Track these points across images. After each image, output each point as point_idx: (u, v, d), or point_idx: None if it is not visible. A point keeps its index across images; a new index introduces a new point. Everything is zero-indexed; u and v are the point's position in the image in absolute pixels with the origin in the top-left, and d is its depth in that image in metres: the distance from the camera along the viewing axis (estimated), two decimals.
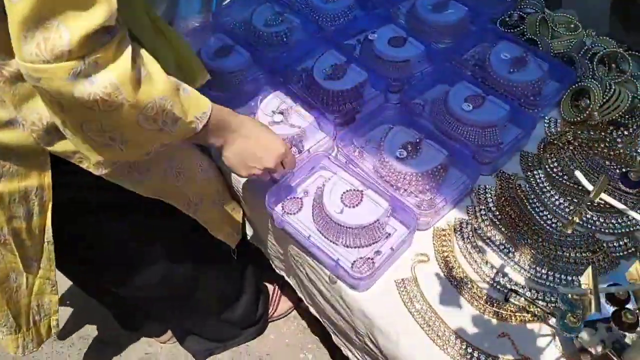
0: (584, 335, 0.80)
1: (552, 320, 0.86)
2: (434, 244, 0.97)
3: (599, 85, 1.08)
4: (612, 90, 1.07)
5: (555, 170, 1.05)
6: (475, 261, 0.94)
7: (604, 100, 1.08)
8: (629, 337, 0.77)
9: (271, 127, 0.99)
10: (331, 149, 1.09)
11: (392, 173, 1.00)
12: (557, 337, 0.85)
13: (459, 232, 0.97)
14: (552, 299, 0.89)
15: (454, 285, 0.92)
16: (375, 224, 0.93)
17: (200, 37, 1.26)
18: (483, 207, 1.00)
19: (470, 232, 0.97)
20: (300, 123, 1.09)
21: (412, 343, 0.86)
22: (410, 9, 1.34)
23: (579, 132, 1.09)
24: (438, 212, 0.97)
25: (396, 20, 1.31)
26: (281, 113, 1.10)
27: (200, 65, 1.00)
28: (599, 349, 0.79)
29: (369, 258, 0.92)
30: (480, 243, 0.96)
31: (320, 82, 1.13)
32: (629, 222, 0.97)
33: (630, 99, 1.07)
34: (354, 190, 0.97)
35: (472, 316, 0.88)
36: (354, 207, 0.95)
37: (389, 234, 0.95)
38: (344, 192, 0.97)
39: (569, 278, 0.91)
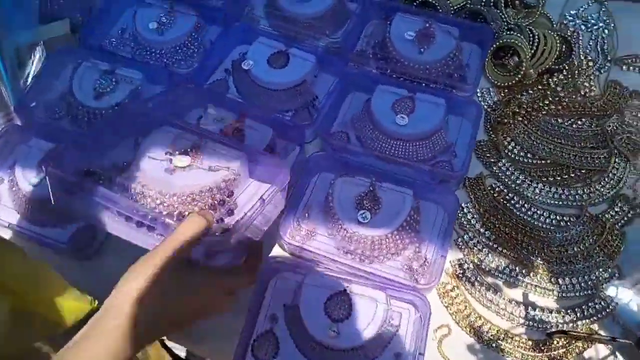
0: None
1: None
2: (444, 306, 0.82)
3: (522, 37, 0.97)
4: (537, 38, 0.98)
5: (516, 152, 0.95)
6: (498, 305, 0.81)
7: (532, 52, 0.97)
8: None
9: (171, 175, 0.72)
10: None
11: (362, 245, 0.81)
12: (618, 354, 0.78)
13: (463, 278, 0.83)
14: (589, 309, 0.80)
15: (492, 347, 0.79)
16: (382, 327, 0.77)
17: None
18: (472, 234, 0.87)
19: (475, 271, 0.83)
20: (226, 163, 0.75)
21: None
22: (268, 5, 1.10)
23: (520, 97, 0.99)
24: (432, 267, 0.81)
25: (256, 26, 1.06)
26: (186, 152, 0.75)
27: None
28: None
29: None
30: (490, 280, 0.83)
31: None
32: (612, 182, 0.90)
33: (558, 42, 0.98)
34: (338, 294, 0.78)
35: None
36: (346, 317, 0.76)
37: (397, 328, 0.79)
38: (327, 301, 0.77)
39: (594, 277, 0.82)
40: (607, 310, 0.82)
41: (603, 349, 0.80)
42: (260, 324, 0.80)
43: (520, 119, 0.99)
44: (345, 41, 1.03)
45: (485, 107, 1.02)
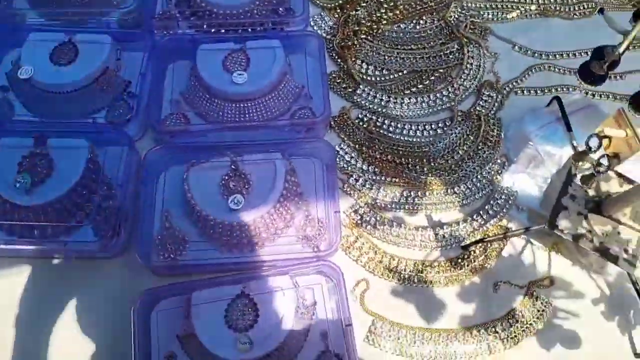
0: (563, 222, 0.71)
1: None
2: (353, 260, 0.75)
3: None
4: None
5: (371, 73, 0.89)
6: (406, 237, 0.75)
7: None
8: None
9: None
10: None
11: (244, 233, 0.70)
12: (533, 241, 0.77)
13: (363, 224, 0.77)
14: (493, 207, 0.78)
15: (415, 282, 0.73)
16: (298, 313, 0.68)
17: None
18: (356, 175, 0.80)
19: (372, 213, 0.77)
20: None
21: None
22: None
23: (355, 13, 0.91)
24: (329, 227, 0.73)
25: (22, 22, 0.86)
26: None
27: None
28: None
29: (324, 352, 0.68)
30: (390, 215, 0.78)
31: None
32: (472, 72, 0.88)
33: None
34: (235, 300, 0.67)
35: (458, 294, 0.74)
36: (254, 322, 0.66)
37: (314, 306, 0.70)
38: (226, 313, 0.66)
39: (486, 173, 0.80)
40: (510, 201, 0.80)
41: (519, 241, 0.80)
42: None
43: (364, 36, 0.92)
44: (141, 7, 0.88)
45: (324, 35, 0.94)
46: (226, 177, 0.74)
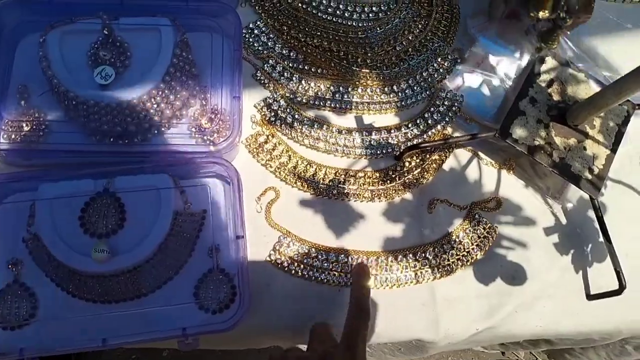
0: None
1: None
2: (261, 165, 0.63)
3: None
4: None
5: None
6: (328, 141, 0.64)
7: None
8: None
9: None
10: None
11: (115, 117, 0.57)
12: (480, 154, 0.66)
13: (277, 121, 0.64)
14: (434, 114, 0.66)
15: (333, 195, 0.62)
16: (178, 222, 0.56)
17: None
18: (273, 60, 0.66)
19: (289, 108, 0.64)
20: None
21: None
22: None
23: None
24: (227, 116, 0.60)
25: None
26: None
27: None
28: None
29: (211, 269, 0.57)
30: (311, 113, 0.65)
31: None
32: None
33: None
34: (94, 200, 0.55)
35: (384, 212, 0.63)
36: (118, 227, 0.54)
37: (202, 215, 0.59)
38: (83, 213, 0.54)
39: (432, 69, 0.68)
40: (454, 107, 0.69)
41: (463, 155, 0.68)
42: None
43: None
44: None
45: None
46: (96, 45, 0.60)
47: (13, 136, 0.58)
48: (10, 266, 0.55)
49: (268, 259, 0.61)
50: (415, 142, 0.66)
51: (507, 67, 0.67)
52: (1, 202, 0.57)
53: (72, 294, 0.55)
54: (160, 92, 0.59)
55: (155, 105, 0.59)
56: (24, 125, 0.59)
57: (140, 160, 0.59)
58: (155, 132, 0.61)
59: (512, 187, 0.67)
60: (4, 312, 0.53)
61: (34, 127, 0.59)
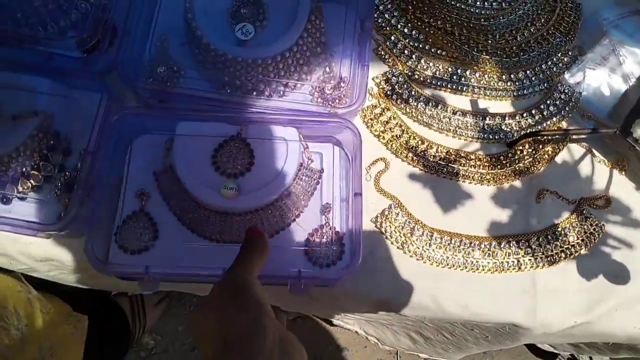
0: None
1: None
2: (375, 135, 0.65)
3: None
4: None
5: None
6: (442, 120, 0.65)
7: None
8: None
9: None
10: None
11: (249, 72, 0.60)
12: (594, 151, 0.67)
13: (393, 96, 0.66)
14: (550, 106, 0.67)
15: (442, 173, 0.64)
16: (300, 173, 0.59)
17: None
18: (395, 38, 0.69)
19: (407, 85, 0.66)
20: None
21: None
22: None
23: None
24: (352, 85, 0.63)
25: None
26: None
27: None
28: None
29: (322, 226, 0.60)
30: (428, 92, 0.67)
31: None
32: None
33: None
34: (230, 141, 0.59)
35: (492, 196, 0.65)
36: (246, 169, 0.58)
37: (319, 173, 0.62)
38: (216, 153, 0.58)
39: (551, 63, 0.69)
40: (572, 102, 0.69)
41: (577, 150, 0.68)
42: (125, 208, 0.59)
43: None
44: None
45: None
46: (237, 3, 0.63)
47: (152, 79, 0.63)
48: (138, 196, 0.59)
49: (374, 222, 0.63)
50: (528, 132, 0.67)
51: (632, 65, 0.68)
52: (138, 135, 0.62)
53: (192, 229, 0.58)
54: (291, 55, 0.62)
55: (284, 66, 0.63)
56: (162, 69, 0.63)
57: (265, 114, 0.62)
58: (281, 91, 0.64)
59: (623, 188, 0.67)
60: (128, 235, 0.58)
61: (172, 72, 0.63)
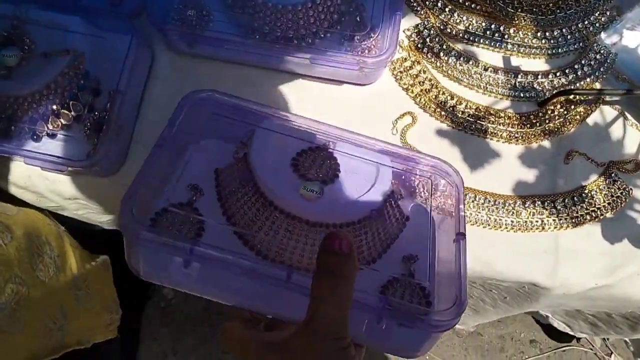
0: None
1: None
2: (403, 89, 0.65)
3: None
4: None
5: None
6: (472, 76, 0.65)
7: None
8: None
9: None
10: None
11: (283, 21, 0.60)
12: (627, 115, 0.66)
13: (424, 49, 0.66)
14: (584, 66, 0.66)
15: (471, 129, 0.63)
16: (389, 206, 0.54)
17: None
18: None
19: (439, 38, 0.65)
20: None
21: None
22: None
23: None
24: (383, 35, 0.62)
25: None
26: None
27: None
28: None
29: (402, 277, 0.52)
30: (460, 46, 0.66)
31: None
32: None
33: None
34: (314, 148, 0.55)
35: (520, 155, 0.64)
36: (333, 176, 0.54)
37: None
38: (298, 157, 0.54)
39: (588, 23, 0.67)
40: (607, 63, 0.68)
41: (610, 112, 0.67)
42: (170, 193, 0.52)
43: None
44: None
45: None
46: None
47: (181, 22, 0.63)
48: (191, 189, 0.53)
49: None
50: (560, 90, 0.66)
51: None
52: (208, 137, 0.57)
53: (245, 240, 0.51)
54: (322, 2, 0.62)
55: (314, 13, 0.62)
56: (192, 13, 0.63)
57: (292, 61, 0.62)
58: (309, 40, 0.64)
59: None
60: (169, 223, 0.49)
61: (201, 16, 0.63)
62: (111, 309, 0.84)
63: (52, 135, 0.60)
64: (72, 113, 0.60)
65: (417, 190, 0.58)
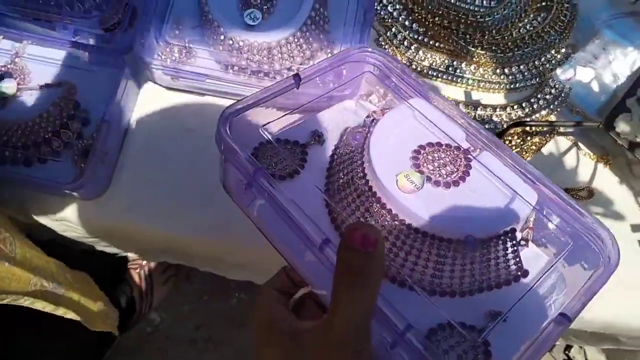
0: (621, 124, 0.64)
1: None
2: None
3: None
4: None
5: None
6: None
7: None
8: None
9: None
10: None
11: (255, 55, 0.65)
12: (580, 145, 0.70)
13: None
14: (540, 100, 0.71)
15: None
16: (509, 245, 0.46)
17: None
18: (396, 29, 0.73)
19: None
20: None
21: None
22: None
23: None
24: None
25: None
26: None
27: None
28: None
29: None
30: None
31: None
32: None
33: None
34: (446, 147, 0.49)
35: None
36: (449, 185, 0.47)
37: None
38: (420, 147, 0.49)
39: (544, 60, 0.73)
40: (561, 97, 0.73)
41: (563, 142, 0.72)
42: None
43: None
44: None
45: None
46: None
47: (165, 57, 0.69)
48: (312, 134, 0.53)
49: None
50: (517, 121, 0.71)
51: (622, 64, 0.71)
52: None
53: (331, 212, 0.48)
54: (295, 40, 0.68)
55: (288, 50, 0.68)
56: (176, 49, 0.69)
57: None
58: (284, 74, 0.69)
59: (607, 181, 0.71)
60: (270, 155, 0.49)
61: (184, 52, 0.69)
62: (107, 304, 0.87)
63: (43, 161, 0.65)
64: (62, 140, 0.65)
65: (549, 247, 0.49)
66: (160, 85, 0.71)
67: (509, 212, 0.44)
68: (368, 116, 0.53)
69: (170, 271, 1.32)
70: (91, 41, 0.70)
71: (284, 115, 0.51)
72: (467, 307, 0.44)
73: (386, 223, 0.44)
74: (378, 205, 0.45)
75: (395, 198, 0.44)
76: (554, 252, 0.48)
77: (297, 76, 0.49)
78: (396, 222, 0.44)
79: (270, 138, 0.48)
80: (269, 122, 0.50)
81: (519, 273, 0.45)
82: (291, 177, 0.48)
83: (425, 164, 0.47)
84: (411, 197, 0.44)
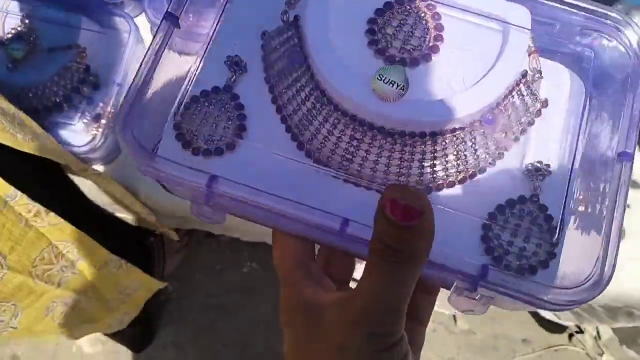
0: None
1: None
2: None
3: None
4: None
5: None
6: None
7: None
8: None
9: None
10: None
11: None
12: None
13: None
14: None
15: None
16: (519, 90, 0.36)
17: None
18: None
19: None
20: None
21: None
22: None
23: None
24: None
25: None
26: None
27: None
28: None
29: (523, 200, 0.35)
30: None
31: None
32: None
33: None
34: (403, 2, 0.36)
35: None
36: (425, 58, 0.36)
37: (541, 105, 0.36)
38: (377, 18, 0.36)
39: None
40: None
41: None
42: (201, 78, 0.37)
43: None
44: None
45: None
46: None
47: None
48: (229, 64, 0.37)
49: None
50: None
51: None
52: None
53: (299, 143, 0.35)
54: None
55: None
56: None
57: None
58: None
59: None
60: (196, 121, 0.35)
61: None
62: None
63: (54, 125, 0.65)
64: (74, 104, 0.65)
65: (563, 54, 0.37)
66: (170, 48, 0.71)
67: (513, 47, 0.34)
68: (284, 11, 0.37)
69: (183, 240, 1.33)
70: (101, 3, 0.70)
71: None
72: (503, 176, 0.35)
73: (366, 137, 0.34)
74: (347, 118, 0.34)
75: (368, 107, 0.33)
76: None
77: (170, 15, 0.35)
78: (379, 134, 0.34)
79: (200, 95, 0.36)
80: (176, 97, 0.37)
81: (540, 106, 0.35)
82: (232, 149, 0.35)
83: (388, 39, 0.35)
84: (389, 103, 0.33)
